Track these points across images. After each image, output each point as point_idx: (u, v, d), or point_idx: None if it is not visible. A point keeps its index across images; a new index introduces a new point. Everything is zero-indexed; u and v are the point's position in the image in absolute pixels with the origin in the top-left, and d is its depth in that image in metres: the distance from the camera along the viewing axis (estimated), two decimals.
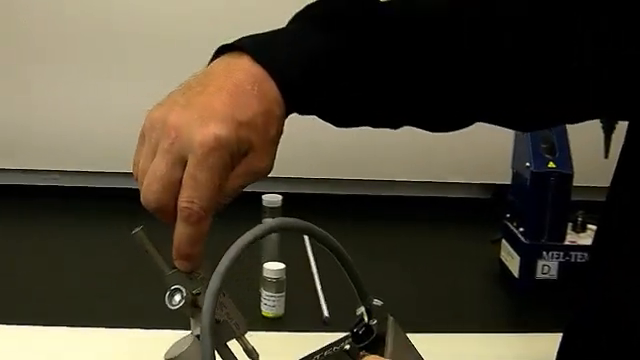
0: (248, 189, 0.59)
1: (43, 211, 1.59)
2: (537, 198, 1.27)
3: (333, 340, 0.58)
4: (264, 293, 1.16)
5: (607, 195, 0.70)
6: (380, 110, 0.65)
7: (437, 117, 0.67)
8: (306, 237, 1.35)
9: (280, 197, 1.24)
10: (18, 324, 1.11)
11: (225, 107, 0.55)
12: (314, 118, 0.63)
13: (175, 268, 0.55)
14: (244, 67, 0.58)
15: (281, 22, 0.62)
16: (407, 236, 1.55)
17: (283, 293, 1.17)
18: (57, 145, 1.67)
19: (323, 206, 1.55)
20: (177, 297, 0.54)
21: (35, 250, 1.40)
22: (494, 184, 1.67)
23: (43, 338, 1.10)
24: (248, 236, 0.53)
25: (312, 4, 0.64)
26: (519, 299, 1.29)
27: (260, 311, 1.17)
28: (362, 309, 0.58)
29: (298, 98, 0.59)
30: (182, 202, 0.54)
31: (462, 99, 0.66)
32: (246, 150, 0.56)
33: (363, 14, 0.63)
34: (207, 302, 0.50)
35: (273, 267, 1.16)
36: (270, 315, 1.16)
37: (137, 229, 0.55)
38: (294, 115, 0.61)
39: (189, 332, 0.55)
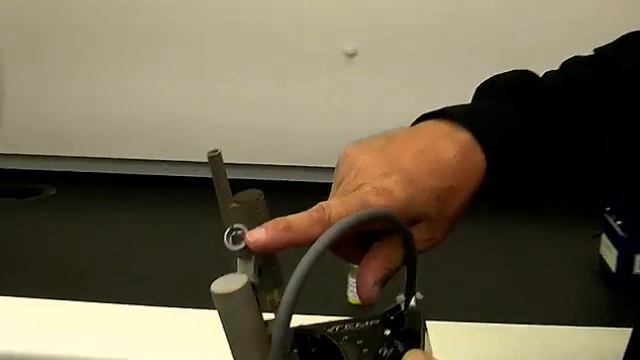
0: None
1: (158, 200, 1.66)
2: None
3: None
4: (351, 280, 1.17)
5: None
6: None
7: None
8: None
9: None
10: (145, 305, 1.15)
11: (415, 170, 0.54)
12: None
13: (237, 203, 0.51)
14: (449, 132, 0.56)
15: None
16: (513, 229, 1.52)
17: None
18: (166, 136, 1.72)
19: None
20: (232, 238, 0.49)
21: (145, 237, 1.47)
22: None
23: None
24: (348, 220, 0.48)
25: (499, 76, 0.63)
26: (616, 294, 1.25)
27: (346, 298, 1.18)
28: (402, 297, 0.58)
29: (500, 165, 0.57)
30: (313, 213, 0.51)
31: None
32: (419, 218, 0.55)
33: (551, 88, 0.62)
34: (301, 267, 0.45)
35: None
36: (356, 302, 1.16)
37: (216, 151, 0.50)
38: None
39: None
